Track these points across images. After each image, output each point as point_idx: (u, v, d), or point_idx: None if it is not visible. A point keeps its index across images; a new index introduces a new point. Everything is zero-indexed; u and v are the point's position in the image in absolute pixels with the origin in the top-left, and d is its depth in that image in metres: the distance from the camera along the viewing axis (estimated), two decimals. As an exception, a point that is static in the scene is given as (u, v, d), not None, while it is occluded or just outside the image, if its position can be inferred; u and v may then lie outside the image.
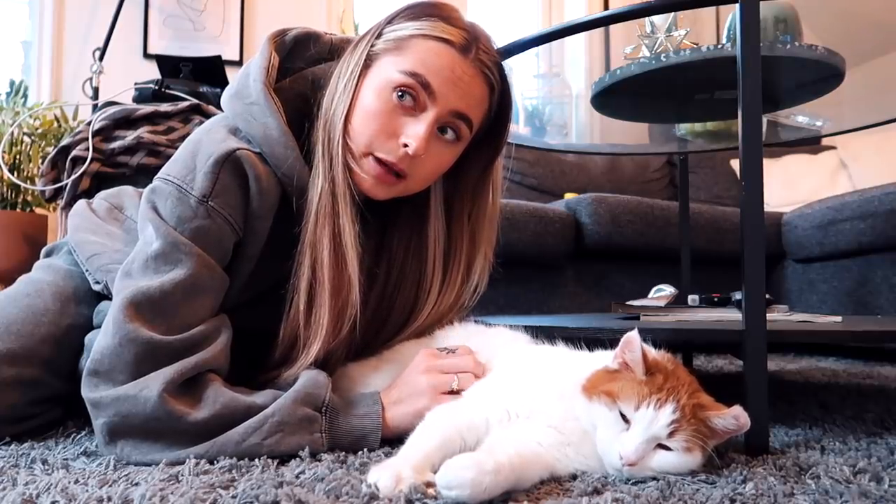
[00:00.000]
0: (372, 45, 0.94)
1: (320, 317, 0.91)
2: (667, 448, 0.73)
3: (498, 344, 0.97)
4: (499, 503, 0.66)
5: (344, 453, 0.82)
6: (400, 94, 0.91)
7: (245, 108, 0.93)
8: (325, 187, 0.91)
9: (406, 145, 0.91)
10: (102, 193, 1.21)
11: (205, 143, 0.90)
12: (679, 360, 0.82)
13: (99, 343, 0.82)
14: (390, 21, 0.95)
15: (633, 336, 0.77)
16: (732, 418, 0.75)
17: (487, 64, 0.95)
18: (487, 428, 0.78)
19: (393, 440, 0.87)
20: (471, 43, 0.93)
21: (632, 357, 0.77)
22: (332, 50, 1.04)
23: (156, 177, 0.91)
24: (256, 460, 0.78)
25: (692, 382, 0.78)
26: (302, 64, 1.02)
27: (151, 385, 0.78)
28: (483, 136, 1.03)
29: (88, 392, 0.81)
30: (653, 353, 0.80)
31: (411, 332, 1.04)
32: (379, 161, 0.92)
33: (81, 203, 1.17)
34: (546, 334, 0.97)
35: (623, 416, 0.74)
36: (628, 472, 0.73)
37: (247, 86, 0.94)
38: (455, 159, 1.00)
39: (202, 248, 0.86)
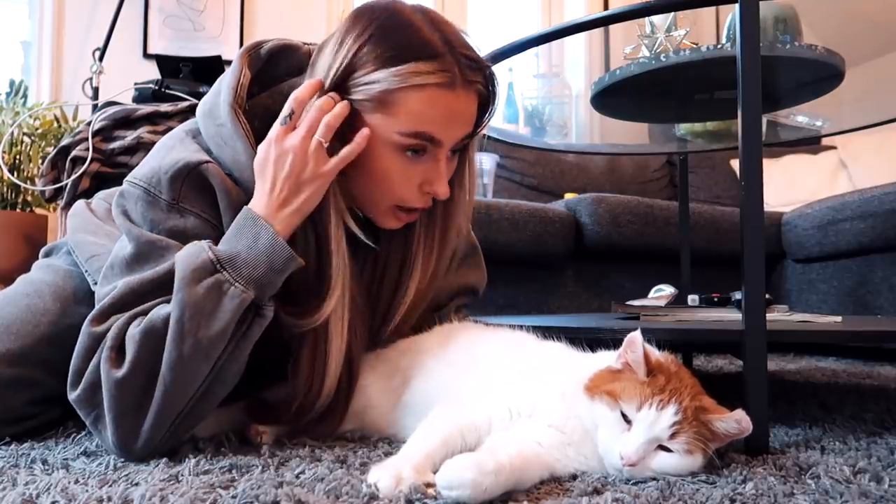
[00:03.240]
0: (346, 93, 0.87)
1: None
2: (667, 450, 0.73)
3: (501, 344, 0.96)
4: (499, 503, 0.66)
5: (344, 453, 0.82)
6: (408, 153, 0.88)
7: (216, 130, 0.90)
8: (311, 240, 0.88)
9: (432, 192, 0.90)
10: (101, 194, 1.21)
11: (177, 149, 0.89)
12: (680, 361, 0.82)
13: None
14: (352, 69, 0.86)
15: (635, 336, 0.77)
16: (734, 422, 0.75)
17: (475, 77, 0.89)
18: (490, 427, 0.78)
19: (386, 441, 0.87)
20: (451, 65, 0.85)
21: (634, 357, 0.77)
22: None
23: (125, 179, 0.89)
24: (256, 460, 0.78)
25: (695, 385, 0.78)
26: (280, 74, 0.98)
27: (101, 362, 0.79)
28: None
29: (70, 394, 0.82)
30: (656, 354, 0.80)
31: (401, 312, 1.00)
32: (406, 209, 0.92)
33: (80, 204, 1.17)
34: (547, 334, 0.97)
35: (625, 417, 0.74)
36: (628, 473, 0.73)
37: (217, 105, 0.91)
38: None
39: (180, 245, 0.84)
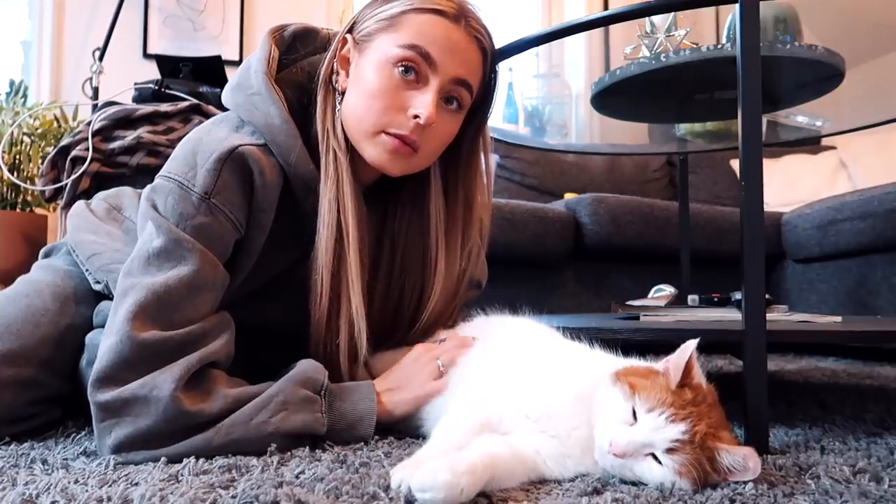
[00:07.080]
0: (363, 26, 0.96)
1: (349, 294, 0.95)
2: (659, 462, 0.71)
3: (526, 334, 0.98)
4: (498, 502, 0.66)
5: (344, 453, 0.82)
6: (402, 68, 0.92)
7: (246, 99, 0.95)
8: (331, 176, 0.93)
9: (417, 116, 0.92)
10: (101, 194, 1.21)
11: (206, 140, 0.90)
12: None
13: (102, 344, 0.82)
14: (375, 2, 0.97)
15: (689, 343, 0.74)
16: (741, 457, 0.71)
17: (479, 30, 0.96)
18: (500, 422, 0.78)
19: (403, 435, 0.87)
20: (461, 12, 0.95)
21: (676, 361, 0.74)
22: (330, 43, 1.05)
23: (157, 175, 0.91)
24: (256, 460, 0.78)
25: (721, 421, 0.74)
26: (300, 57, 1.04)
27: (161, 385, 0.78)
28: (474, 103, 1.02)
29: (96, 395, 0.80)
30: (702, 379, 0.76)
31: (430, 313, 1.05)
32: (392, 135, 0.93)
33: (80, 204, 1.17)
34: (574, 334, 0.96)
35: (634, 414, 0.72)
36: (609, 462, 0.72)
37: (248, 77, 0.96)
38: (459, 128, 1.00)
39: (205, 245, 0.86)
